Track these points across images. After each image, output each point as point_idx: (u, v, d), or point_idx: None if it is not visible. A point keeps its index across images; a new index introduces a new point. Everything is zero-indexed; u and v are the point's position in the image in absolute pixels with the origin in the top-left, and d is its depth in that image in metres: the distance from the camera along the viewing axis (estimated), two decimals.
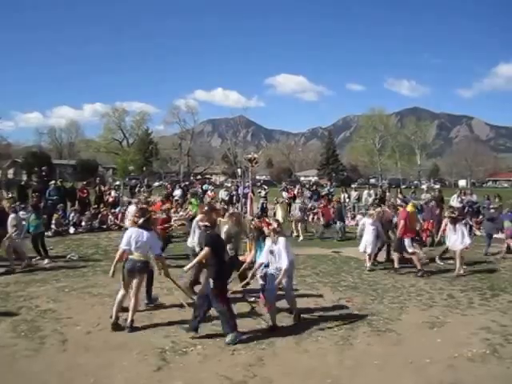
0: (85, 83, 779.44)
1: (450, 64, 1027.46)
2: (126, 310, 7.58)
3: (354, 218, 23.17)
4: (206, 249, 7.22)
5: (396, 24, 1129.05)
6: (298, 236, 17.61)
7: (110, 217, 19.96)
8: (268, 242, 7.97)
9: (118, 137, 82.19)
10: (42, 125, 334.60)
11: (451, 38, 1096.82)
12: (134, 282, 7.50)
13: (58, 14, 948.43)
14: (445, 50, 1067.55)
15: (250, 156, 18.85)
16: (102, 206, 20.87)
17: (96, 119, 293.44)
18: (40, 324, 7.60)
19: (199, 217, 9.43)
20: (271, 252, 7.77)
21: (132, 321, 7.40)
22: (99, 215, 19.94)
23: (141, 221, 7.62)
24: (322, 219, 18.87)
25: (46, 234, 16.59)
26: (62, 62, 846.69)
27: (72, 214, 19.19)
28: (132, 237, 7.50)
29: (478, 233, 19.08)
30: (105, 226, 19.53)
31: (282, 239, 7.84)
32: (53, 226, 17.78)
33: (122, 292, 7.55)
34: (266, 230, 8.47)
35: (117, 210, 20.62)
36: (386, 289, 10.44)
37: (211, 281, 7.08)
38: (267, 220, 9.64)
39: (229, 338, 6.95)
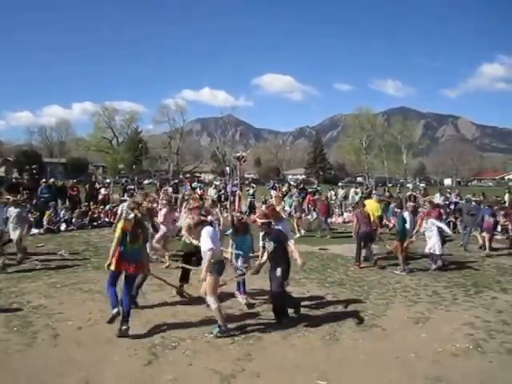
0: (74, 83, 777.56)
1: (435, 64, 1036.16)
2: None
3: (341, 215, 23.44)
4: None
5: (381, 25, 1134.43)
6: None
7: (102, 214, 20.04)
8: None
9: (108, 135, 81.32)
10: (33, 124, 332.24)
11: (436, 38, 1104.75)
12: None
13: (49, 15, 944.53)
14: (430, 51, 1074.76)
15: (238, 154, 19.04)
16: (92, 203, 20.93)
17: (86, 118, 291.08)
18: (32, 319, 7.64)
19: None
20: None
21: None
22: (89, 213, 19.98)
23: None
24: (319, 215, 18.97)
25: (38, 231, 16.74)
26: (52, 62, 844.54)
27: (63, 212, 19.19)
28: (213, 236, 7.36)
29: (462, 231, 19.30)
30: (95, 224, 19.59)
31: (283, 221, 8.62)
32: (44, 224, 17.83)
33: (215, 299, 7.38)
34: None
35: (107, 207, 20.67)
36: (372, 285, 10.60)
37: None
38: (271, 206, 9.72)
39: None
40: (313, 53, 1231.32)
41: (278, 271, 7.64)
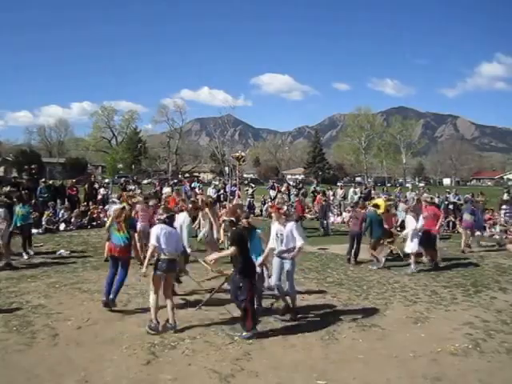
0: (73, 82, 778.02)
1: (433, 64, 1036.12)
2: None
3: (340, 215, 23.42)
4: (233, 248, 7.27)
5: (381, 25, 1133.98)
6: None
7: (101, 214, 20.05)
8: (275, 226, 8.09)
9: (107, 135, 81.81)
10: (32, 123, 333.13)
11: (435, 38, 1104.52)
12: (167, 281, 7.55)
13: (46, 15, 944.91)
14: (429, 51, 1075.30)
15: (237, 154, 19.00)
16: (91, 203, 20.93)
17: (85, 118, 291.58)
18: (31, 319, 7.65)
19: None
20: (277, 235, 7.95)
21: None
22: (88, 213, 19.98)
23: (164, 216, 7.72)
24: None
25: (37, 231, 16.72)
26: (51, 62, 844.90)
27: (62, 212, 19.20)
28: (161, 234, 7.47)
29: (461, 230, 19.32)
30: (95, 223, 19.60)
31: (291, 222, 8.15)
32: (43, 223, 17.84)
33: (153, 296, 7.43)
34: (275, 214, 8.26)
35: (106, 207, 20.68)
36: (371, 285, 10.60)
37: (238, 276, 7.27)
38: (277, 205, 9.47)
39: (244, 333, 7.10)
40: (312, 52, 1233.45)
41: (235, 278, 7.41)
